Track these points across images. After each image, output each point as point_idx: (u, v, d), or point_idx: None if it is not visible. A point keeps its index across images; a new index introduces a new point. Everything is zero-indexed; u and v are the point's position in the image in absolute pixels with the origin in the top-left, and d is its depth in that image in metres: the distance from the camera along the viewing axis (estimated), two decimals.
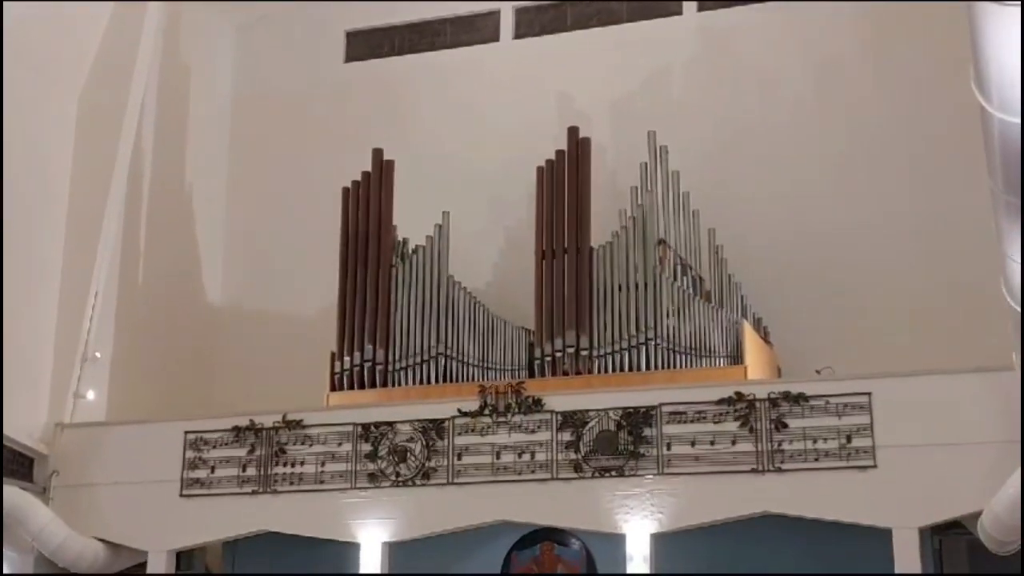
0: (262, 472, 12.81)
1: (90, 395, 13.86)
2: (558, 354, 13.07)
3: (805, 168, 14.83)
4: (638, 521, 11.58)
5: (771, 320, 14.07)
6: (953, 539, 12.03)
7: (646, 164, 13.51)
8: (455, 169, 15.88)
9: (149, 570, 12.87)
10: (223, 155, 17.36)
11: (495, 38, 16.66)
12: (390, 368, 13.62)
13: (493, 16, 16.74)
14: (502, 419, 12.24)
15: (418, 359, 13.55)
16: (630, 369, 12.83)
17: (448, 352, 13.51)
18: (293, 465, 12.72)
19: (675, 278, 13.14)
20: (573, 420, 11.99)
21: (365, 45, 17.37)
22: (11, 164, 13.23)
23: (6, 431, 12.68)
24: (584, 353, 13.00)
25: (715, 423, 11.59)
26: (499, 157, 15.59)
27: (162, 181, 15.95)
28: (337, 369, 13.75)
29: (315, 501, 12.58)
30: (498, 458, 12.15)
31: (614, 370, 12.89)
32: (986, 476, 10.41)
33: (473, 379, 13.24)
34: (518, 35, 16.60)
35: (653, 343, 12.79)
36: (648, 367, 12.76)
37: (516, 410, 12.22)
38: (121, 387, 14.62)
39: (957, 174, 13.71)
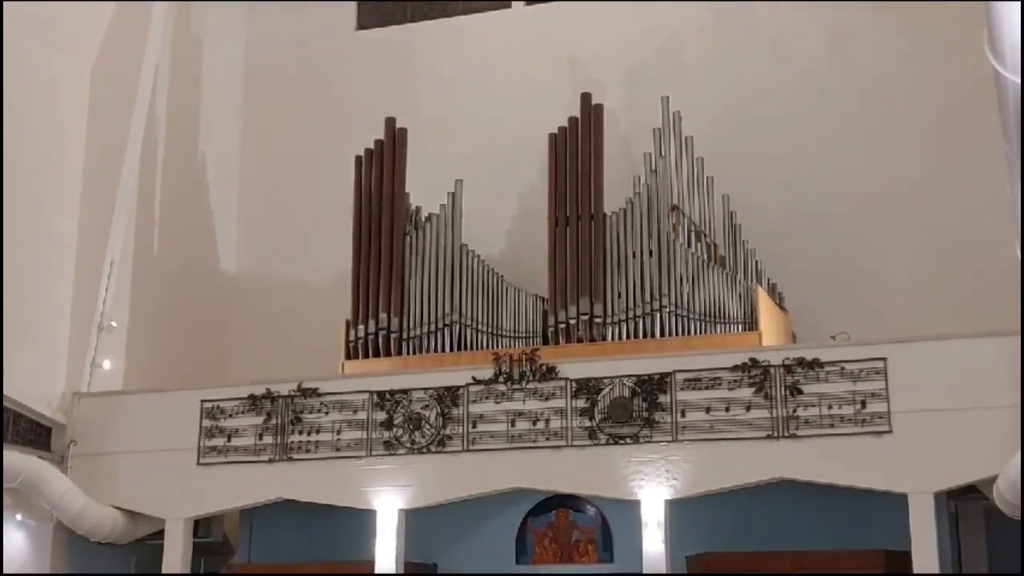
0: (278, 440, 12.87)
1: (107, 364, 13.92)
2: (572, 321, 13.07)
3: (819, 134, 14.76)
4: (653, 488, 11.60)
5: (786, 286, 14.03)
6: (969, 504, 12.04)
7: (659, 130, 13.47)
8: (468, 137, 15.84)
9: (167, 538, 12.96)
10: (236, 124, 17.37)
11: (507, 4, 16.61)
12: (404, 336, 13.65)
13: None
14: (516, 387, 12.27)
15: (432, 327, 13.58)
16: (644, 336, 12.84)
17: (462, 320, 13.53)
18: (309, 433, 12.78)
19: (689, 244, 13.12)
20: (587, 387, 12.01)
21: (377, 13, 17.31)
22: (26, 135, 13.24)
23: (24, 401, 12.77)
24: (598, 320, 13.00)
25: (730, 389, 11.59)
26: (512, 124, 15.53)
27: (176, 151, 15.97)
28: (352, 337, 13.79)
29: (331, 469, 12.63)
30: (513, 426, 12.17)
31: (628, 337, 12.90)
32: (1002, 440, 10.39)
33: (487, 347, 13.26)
34: (530, 1, 16.53)
35: (667, 310, 12.79)
36: (662, 334, 12.77)
37: (530, 378, 12.24)
38: (137, 356, 14.69)
39: (971, 139, 13.63)
